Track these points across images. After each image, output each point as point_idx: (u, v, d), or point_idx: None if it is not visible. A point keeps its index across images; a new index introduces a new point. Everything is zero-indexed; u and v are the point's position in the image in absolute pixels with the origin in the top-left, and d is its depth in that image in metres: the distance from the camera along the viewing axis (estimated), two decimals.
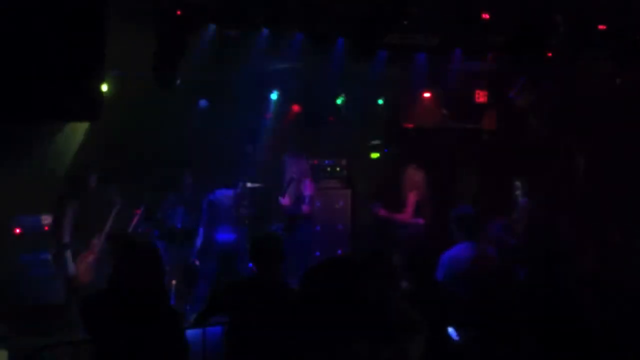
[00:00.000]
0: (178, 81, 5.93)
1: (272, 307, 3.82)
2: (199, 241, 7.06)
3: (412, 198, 7.38)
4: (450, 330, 3.70)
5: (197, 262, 7.07)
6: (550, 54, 6.21)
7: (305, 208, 7.48)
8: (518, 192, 7.90)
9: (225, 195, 6.99)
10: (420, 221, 7.47)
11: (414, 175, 7.57)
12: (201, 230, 7.00)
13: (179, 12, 5.03)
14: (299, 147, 8.19)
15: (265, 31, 5.68)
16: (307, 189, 7.56)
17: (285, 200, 7.50)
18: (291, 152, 7.73)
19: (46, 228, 7.44)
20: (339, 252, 8.22)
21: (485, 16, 5.60)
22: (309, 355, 2.98)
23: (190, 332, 4.19)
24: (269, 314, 3.78)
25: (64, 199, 6.29)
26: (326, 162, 8.90)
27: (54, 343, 4.44)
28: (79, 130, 7.66)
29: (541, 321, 3.53)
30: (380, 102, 9.42)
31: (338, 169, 8.99)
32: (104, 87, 7.06)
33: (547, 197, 7.40)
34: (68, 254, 6.13)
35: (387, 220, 7.58)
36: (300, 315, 3.36)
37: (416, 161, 7.87)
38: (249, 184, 7.90)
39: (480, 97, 8.81)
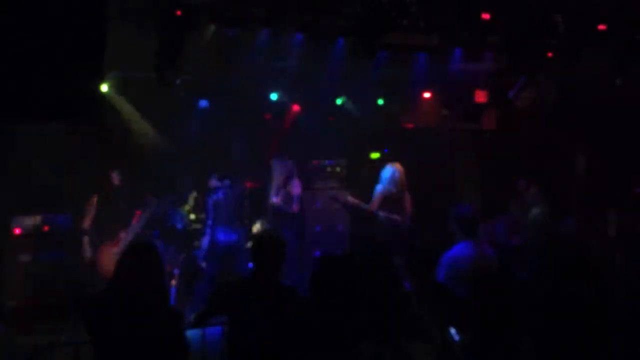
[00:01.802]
0: (178, 81, 5.94)
1: (272, 307, 3.82)
2: (205, 242, 7.05)
3: (378, 192, 7.59)
4: (452, 330, 3.70)
5: (204, 264, 7.06)
6: (550, 54, 6.20)
7: (294, 207, 7.56)
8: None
9: (229, 195, 6.99)
10: (396, 217, 7.60)
11: (387, 172, 7.65)
12: (208, 231, 7.00)
13: (179, 12, 5.02)
14: (293, 150, 8.24)
15: (265, 31, 5.68)
16: (296, 188, 7.64)
17: (277, 199, 7.56)
18: (277, 155, 7.82)
19: (46, 228, 7.46)
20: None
21: (485, 16, 5.60)
22: (310, 355, 2.98)
23: (190, 332, 4.18)
24: (269, 314, 3.78)
25: (91, 192, 6.77)
26: (326, 162, 8.90)
27: (54, 343, 4.44)
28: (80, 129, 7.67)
29: (543, 322, 3.53)
30: (380, 102, 9.42)
31: (338, 169, 8.99)
32: (104, 87, 7.12)
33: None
34: (85, 239, 6.72)
35: (355, 208, 7.81)
36: (303, 316, 3.36)
37: (397, 160, 7.96)
38: (249, 184, 7.93)
39: (480, 97, 8.81)
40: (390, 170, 7.64)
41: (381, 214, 7.62)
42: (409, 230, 7.63)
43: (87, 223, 6.82)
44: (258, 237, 4.36)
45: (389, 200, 7.64)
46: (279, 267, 4.10)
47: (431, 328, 3.46)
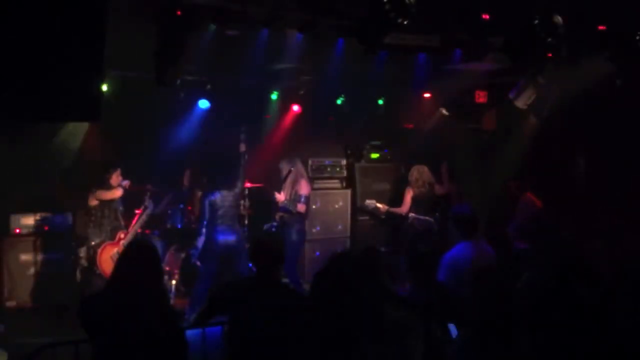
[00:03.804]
0: (178, 81, 5.93)
1: (272, 307, 3.82)
2: (200, 242, 7.06)
3: (407, 194, 7.97)
4: (452, 327, 3.72)
5: (198, 263, 7.07)
6: (550, 54, 6.20)
7: (300, 207, 7.57)
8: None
9: (225, 195, 6.99)
10: (425, 218, 7.87)
11: (412, 174, 8.04)
12: (203, 231, 7.02)
13: (179, 12, 5.02)
14: (293, 150, 8.26)
15: (265, 31, 5.67)
16: (303, 189, 7.65)
17: (280, 196, 7.58)
18: (286, 158, 7.84)
19: (46, 228, 7.47)
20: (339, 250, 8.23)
21: (485, 16, 5.59)
22: (309, 355, 2.98)
23: (190, 332, 4.19)
24: (269, 313, 3.79)
25: (88, 192, 6.76)
26: (326, 162, 8.90)
27: (54, 343, 4.43)
28: (80, 130, 7.67)
29: (544, 322, 3.53)
30: (380, 102, 9.43)
31: (338, 169, 9.00)
32: (104, 87, 7.12)
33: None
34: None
35: (389, 214, 8.23)
36: (302, 316, 3.37)
37: (422, 160, 8.07)
38: (248, 184, 7.94)
39: (480, 97, 8.82)
40: (414, 172, 7.87)
41: (411, 215, 7.80)
42: (439, 229, 7.82)
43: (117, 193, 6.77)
44: (258, 238, 4.37)
45: (419, 201, 7.84)
46: (278, 266, 4.11)
47: (419, 325, 3.47)
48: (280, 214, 7.66)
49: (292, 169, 7.70)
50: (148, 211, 7.06)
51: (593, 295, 3.68)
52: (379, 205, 8.22)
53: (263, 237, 4.57)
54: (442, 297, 4.17)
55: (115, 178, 6.83)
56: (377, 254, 4.05)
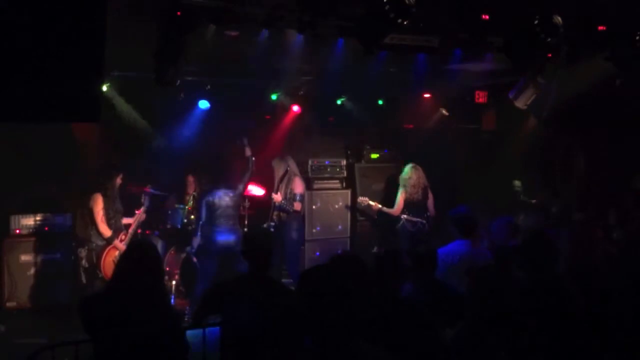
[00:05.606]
0: (178, 81, 5.93)
1: (264, 302, 3.81)
2: (196, 241, 7.07)
3: (400, 196, 7.95)
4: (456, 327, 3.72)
5: (195, 260, 7.08)
6: (550, 54, 6.21)
7: (297, 205, 7.60)
8: (519, 190, 7.97)
9: (222, 195, 6.99)
10: (417, 220, 7.88)
11: (411, 177, 8.00)
12: (199, 230, 7.03)
13: (179, 12, 5.02)
14: (294, 150, 8.28)
15: (265, 31, 5.67)
16: (298, 187, 7.67)
17: (277, 197, 7.60)
18: (278, 156, 7.84)
19: (46, 228, 7.46)
20: (339, 251, 8.24)
21: (485, 16, 5.60)
22: (305, 352, 2.98)
23: (190, 332, 4.18)
24: (262, 311, 3.78)
25: (93, 193, 6.65)
26: (326, 162, 8.91)
27: (53, 344, 4.44)
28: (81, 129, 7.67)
29: (539, 319, 3.53)
30: (381, 102, 9.43)
31: (338, 169, 9.00)
32: (104, 87, 7.12)
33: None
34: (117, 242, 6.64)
35: (381, 213, 8.16)
36: (297, 314, 3.36)
37: (414, 161, 8.07)
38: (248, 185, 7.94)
39: (480, 97, 8.82)
40: (408, 173, 7.86)
41: (403, 217, 7.80)
42: (429, 231, 7.83)
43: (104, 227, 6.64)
44: (248, 234, 4.36)
45: (412, 203, 7.84)
46: (268, 262, 4.11)
47: (430, 326, 3.47)
48: (277, 213, 7.69)
49: (287, 169, 7.72)
50: (144, 207, 7.03)
51: (590, 294, 3.69)
52: (371, 203, 8.18)
53: (253, 234, 4.56)
54: (442, 297, 4.18)
55: (119, 181, 6.82)
56: (377, 254, 4.06)
